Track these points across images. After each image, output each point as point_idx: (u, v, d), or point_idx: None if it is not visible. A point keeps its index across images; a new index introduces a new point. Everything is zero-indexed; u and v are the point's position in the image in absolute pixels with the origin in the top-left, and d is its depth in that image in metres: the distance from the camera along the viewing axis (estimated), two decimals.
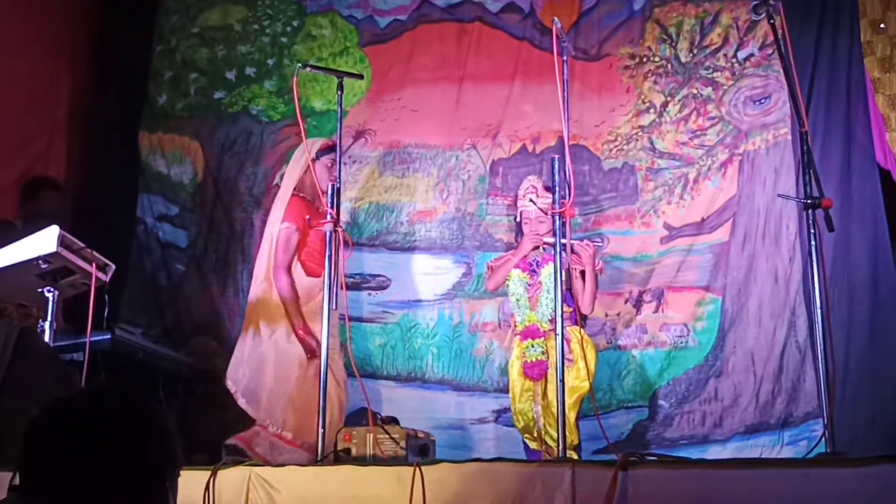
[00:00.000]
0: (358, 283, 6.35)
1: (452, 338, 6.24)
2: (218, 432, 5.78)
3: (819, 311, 3.99)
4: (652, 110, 6.29)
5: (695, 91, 6.24)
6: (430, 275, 6.40)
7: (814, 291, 4.02)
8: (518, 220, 5.66)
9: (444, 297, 6.33)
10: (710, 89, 6.22)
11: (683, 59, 6.29)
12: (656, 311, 6.00)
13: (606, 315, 6.04)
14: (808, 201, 4.04)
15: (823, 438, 4.02)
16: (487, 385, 6.08)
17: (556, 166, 4.42)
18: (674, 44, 6.32)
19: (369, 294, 6.40)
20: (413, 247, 6.46)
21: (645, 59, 6.35)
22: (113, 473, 1.58)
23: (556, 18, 4.56)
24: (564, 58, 4.61)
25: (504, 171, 6.40)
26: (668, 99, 6.28)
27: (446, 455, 4.62)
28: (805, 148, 4.09)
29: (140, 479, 1.62)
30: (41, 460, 1.60)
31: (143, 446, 1.64)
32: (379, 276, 6.44)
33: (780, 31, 4.15)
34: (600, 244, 5.77)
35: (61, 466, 1.58)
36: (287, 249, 5.35)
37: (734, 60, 6.19)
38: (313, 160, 5.32)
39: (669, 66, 6.31)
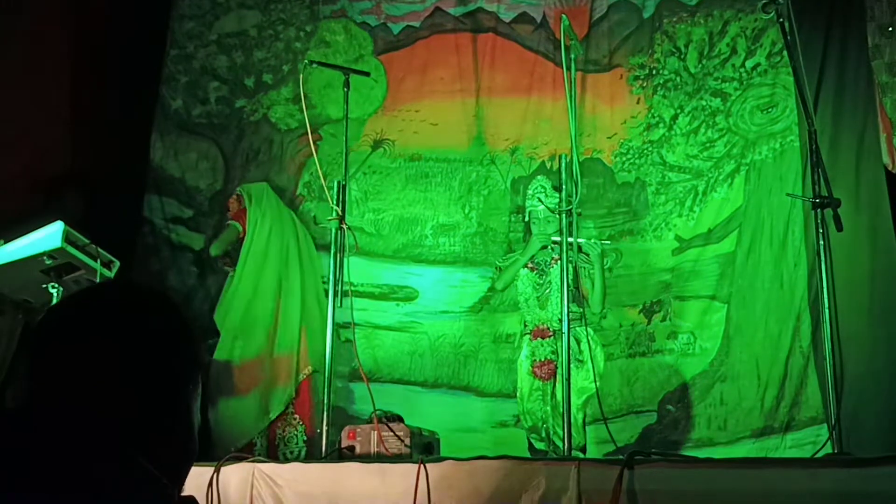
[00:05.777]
0: (386, 293, 6.42)
1: (478, 348, 6.31)
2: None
3: (826, 311, 3.98)
4: (661, 124, 6.32)
5: (704, 103, 6.25)
6: (457, 287, 6.46)
7: (821, 291, 4.01)
8: (526, 219, 5.66)
9: (470, 309, 6.40)
10: (718, 100, 6.23)
11: (693, 70, 6.31)
12: (664, 319, 6.03)
13: (620, 326, 6.09)
14: (817, 200, 4.04)
15: (830, 440, 3.99)
16: (510, 391, 6.10)
17: (564, 165, 4.43)
18: (682, 56, 6.34)
19: (398, 304, 6.46)
20: (438, 260, 6.51)
21: (654, 72, 6.37)
22: (131, 368, 1.42)
23: (563, 16, 4.56)
24: (573, 56, 4.60)
25: (524, 188, 6.37)
26: (678, 112, 6.30)
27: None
28: (813, 147, 4.08)
29: (162, 382, 1.46)
30: (52, 345, 1.44)
31: (167, 343, 1.48)
32: (406, 287, 6.49)
33: (788, 30, 4.15)
34: (608, 243, 5.78)
35: (73, 355, 1.42)
36: None
37: (742, 70, 6.20)
38: None
39: (679, 78, 6.33)
